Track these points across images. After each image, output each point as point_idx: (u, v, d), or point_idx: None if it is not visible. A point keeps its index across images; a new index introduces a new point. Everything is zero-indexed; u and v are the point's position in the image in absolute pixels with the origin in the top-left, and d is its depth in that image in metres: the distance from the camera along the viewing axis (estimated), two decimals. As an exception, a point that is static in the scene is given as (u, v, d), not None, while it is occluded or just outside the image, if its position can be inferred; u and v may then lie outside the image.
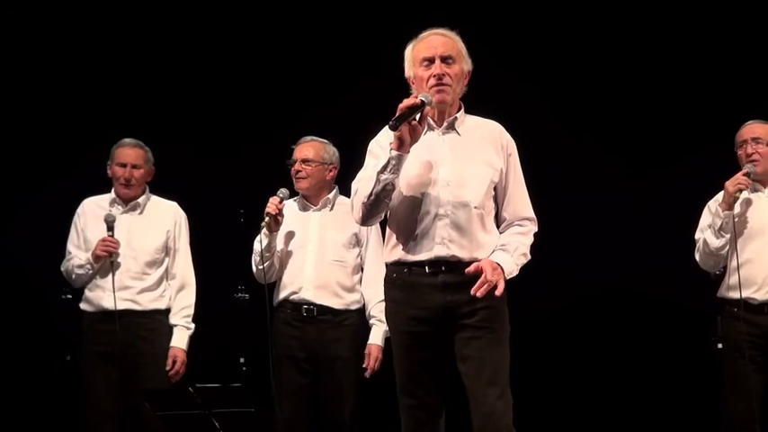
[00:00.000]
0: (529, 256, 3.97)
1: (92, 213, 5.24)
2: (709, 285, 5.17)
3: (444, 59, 3.87)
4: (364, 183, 3.84)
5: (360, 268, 5.20)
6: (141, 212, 5.26)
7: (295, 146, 5.25)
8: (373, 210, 3.86)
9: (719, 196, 5.07)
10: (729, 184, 4.93)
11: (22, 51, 6.24)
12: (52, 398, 5.79)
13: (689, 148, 6.06)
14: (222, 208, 5.49)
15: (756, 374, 4.90)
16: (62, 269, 5.24)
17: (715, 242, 4.95)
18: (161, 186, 5.41)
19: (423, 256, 3.86)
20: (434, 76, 3.85)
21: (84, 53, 6.28)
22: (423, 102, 3.74)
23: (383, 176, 3.77)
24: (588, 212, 6.08)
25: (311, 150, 5.19)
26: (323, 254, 5.12)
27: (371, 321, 5.17)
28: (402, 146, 3.74)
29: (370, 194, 3.80)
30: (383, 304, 5.05)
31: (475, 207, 3.86)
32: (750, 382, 4.89)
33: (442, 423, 3.95)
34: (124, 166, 5.20)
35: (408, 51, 3.96)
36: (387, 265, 3.98)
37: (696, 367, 5.74)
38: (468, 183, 3.87)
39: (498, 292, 3.75)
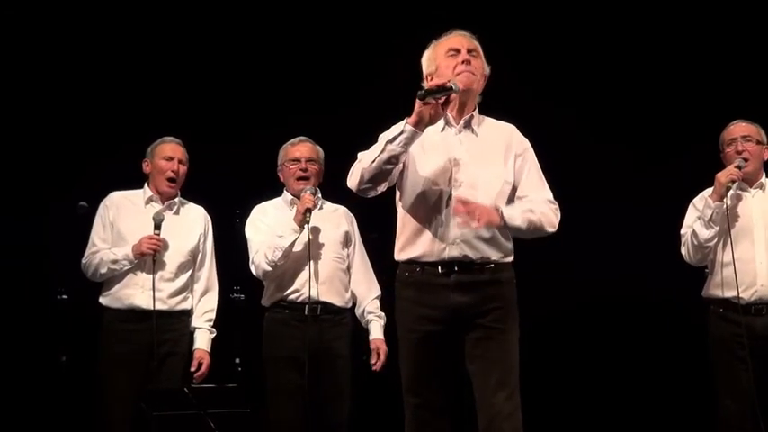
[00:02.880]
0: (539, 216, 3.89)
1: (124, 207, 5.17)
2: (703, 285, 5.18)
3: (469, 51, 3.93)
4: (370, 152, 3.82)
5: (349, 267, 5.22)
6: (176, 213, 5.22)
7: (290, 145, 5.24)
8: (371, 179, 3.82)
9: (704, 192, 5.08)
10: (721, 175, 4.94)
11: (20, 51, 6.24)
12: (48, 398, 5.79)
13: (684, 149, 6.09)
14: (217, 209, 5.49)
15: (747, 373, 4.89)
16: (84, 261, 5.11)
17: (704, 233, 4.95)
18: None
19: (435, 255, 3.87)
20: (463, 62, 3.89)
21: (78, 53, 6.28)
22: (452, 87, 3.74)
23: (390, 147, 3.75)
24: (585, 214, 6.10)
25: (313, 151, 5.21)
26: (324, 251, 5.11)
27: (369, 317, 5.19)
28: (419, 123, 3.73)
29: (373, 161, 3.77)
30: (377, 301, 5.16)
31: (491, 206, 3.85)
32: (741, 381, 4.90)
33: (448, 425, 3.93)
34: (171, 159, 5.15)
35: (430, 51, 3.99)
36: (399, 263, 3.98)
37: (691, 367, 5.75)
38: (481, 184, 3.88)
39: (477, 224, 3.75)
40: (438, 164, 3.88)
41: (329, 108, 6.21)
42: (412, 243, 3.91)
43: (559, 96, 6.28)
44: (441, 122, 3.95)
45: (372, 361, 5.14)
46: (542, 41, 6.35)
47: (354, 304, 5.23)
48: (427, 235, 3.87)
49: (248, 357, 5.34)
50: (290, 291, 5.07)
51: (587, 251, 6.16)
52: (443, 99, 3.74)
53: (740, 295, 4.92)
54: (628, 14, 6.34)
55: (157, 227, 5.03)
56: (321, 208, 5.22)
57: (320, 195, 5.23)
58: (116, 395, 4.96)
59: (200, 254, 5.23)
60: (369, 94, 6.08)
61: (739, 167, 4.96)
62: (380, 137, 3.96)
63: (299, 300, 5.05)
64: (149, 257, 5.02)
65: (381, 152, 3.75)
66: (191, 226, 5.23)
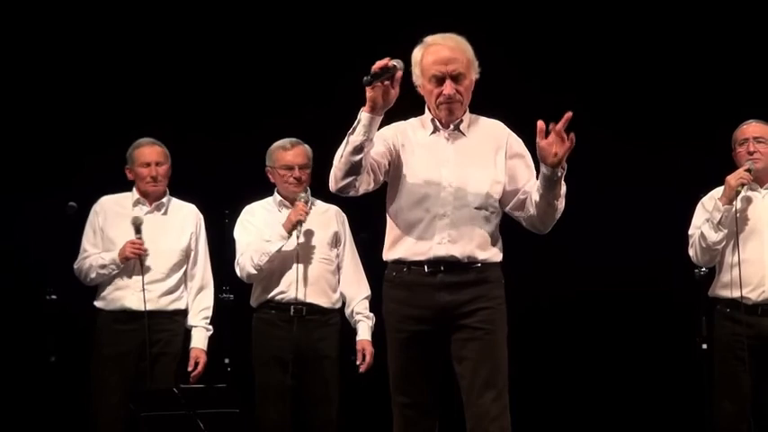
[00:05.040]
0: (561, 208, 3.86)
1: (112, 212, 5.23)
2: (694, 285, 5.18)
3: (454, 78, 3.84)
4: (339, 150, 3.78)
5: (338, 267, 5.22)
6: (165, 213, 5.27)
7: (282, 150, 5.18)
8: (344, 175, 3.74)
9: (714, 193, 5.07)
10: (731, 178, 4.92)
11: (11, 52, 6.24)
12: (37, 399, 5.79)
13: (684, 144, 6.09)
14: (207, 209, 5.48)
15: (746, 375, 4.90)
16: (75, 266, 5.20)
17: (713, 236, 4.93)
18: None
19: (422, 255, 3.85)
20: (444, 95, 3.83)
21: (73, 52, 6.27)
22: (395, 66, 3.66)
23: (352, 138, 3.69)
24: (576, 211, 6.11)
25: (305, 155, 5.19)
26: (311, 252, 5.12)
27: (357, 318, 5.20)
28: (374, 108, 3.67)
29: (341, 156, 3.73)
30: (366, 301, 5.16)
31: (476, 208, 3.85)
32: (741, 383, 4.90)
33: (436, 425, 3.93)
34: (148, 165, 5.18)
35: (417, 57, 3.89)
36: (387, 263, 3.97)
37: (684, 367, 5.76)
38: (470, 184, 3.86)
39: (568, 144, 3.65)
40: (426, 165, 3.87)
41: (320, 105, 6.20)
42: (399, 243, 3.90)
43: (556, 88, 6.26)
44: (430, 127, 3.94)
45: (358, 362, 5.15)
46: (539, 32, 6.32)
47: (344, 304, 5.23)
48: (414, 235, 3.86)
49: (238, 357, 5.34)
50: (276, 292, 5.09)
51: (581, 249, 6.16)
52: (390, 79, 3.66)
53: (748, 296, 4.90)
54: (627, 5, 6.33)
55: (138, 230, 5.08)
56: (311, 206, 5.21)
57: (309, 194, 5.22)
58: (108, 396, 5.02)
59: (192, 252, 5.25)
60: (360, 91, 6.08)
61: (749, 170, 4.95)
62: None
63: (284, 300, 5.07)
64: (137, 260, 5.06)
65: (345, 145, 3.72)
66: (181, 225, 5.26)
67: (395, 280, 3.93)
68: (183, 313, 5.21)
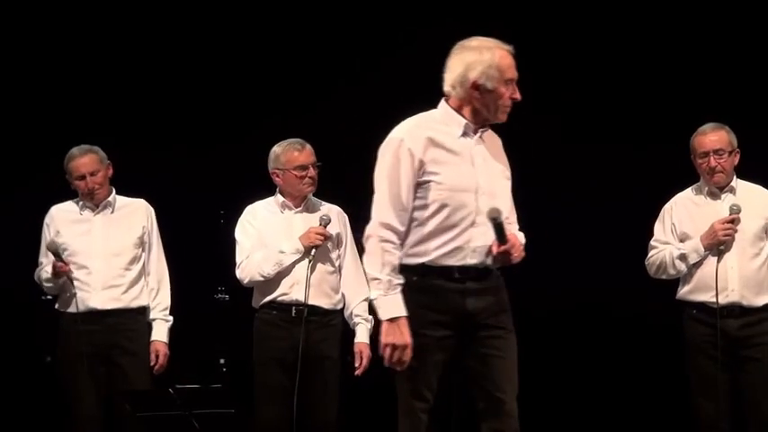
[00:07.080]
0: None
1: (62, 222, 5.27)
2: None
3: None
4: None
5: (339, 268, 5.24)
6: (113, 212, 5.31)
7: (295, 151, 5.11)
8: None
9: (674, 203, 5.11)
10: (721, 233, 4.90)
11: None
12: (33, 399, 5.79)
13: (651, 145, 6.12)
14: (203, 209, 5.49)
15: (723, 374, 4.92)
16: (35, 278, 5.27)
17: (683, 270, 5.02)
18: (141, 188, 5.41)
19: (454, 261, 3.81)
20: (514, 99, 3.83)
21: (51, 57, 6.29)
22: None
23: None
24: (562, 219, 6.13)
25: (312, 153, 5.16)
26: (314, 254, 5.09)
27: (356, 320, 5.19)
28: None
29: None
30: (366, 303, 5.14)
31: (505, 217, 3.84)
32: (717, 382, 4.92)
33: (444, 427, 3.96)
34: (83, 178, 5.21)
35: (493, 58, 3.81)
36: (409, 266, 3.85)
37: (669, 369, 5.79)
38: (499, 193, 3.87)
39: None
40: (461, 172, 3.81)
41: (316, 105, 6.22)
42: (428, 248, 3.82)
43: (546, 100, 6.28)
44: (457, 129, 3.86)
45: (356, 364, 5.14)
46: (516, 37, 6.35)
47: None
48: (447, 242, 3.80)
49: (233, 358, 5.34)
50: (278, 293, 5.08)
51: (561, 257, 6.19)
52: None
53: (713, 299, 4.91)
54: (597, 11, 6.36)
55: (56, 255, 5.11)
56: (310, 210, 5.21)
57: (310, 196, 5.23)
58: (78, 398, 5.10)
59: (146, 245, 5.32)
60: (354, 90, 6.11)
61: (736, 211, 4.94)
62: (394, 146, 3.86)
63: (287, 302, 5.07)
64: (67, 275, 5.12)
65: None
66: (131, 220, 5.31)
67: (416, 284, 3.84)
68: (145, 310, 5.25)
